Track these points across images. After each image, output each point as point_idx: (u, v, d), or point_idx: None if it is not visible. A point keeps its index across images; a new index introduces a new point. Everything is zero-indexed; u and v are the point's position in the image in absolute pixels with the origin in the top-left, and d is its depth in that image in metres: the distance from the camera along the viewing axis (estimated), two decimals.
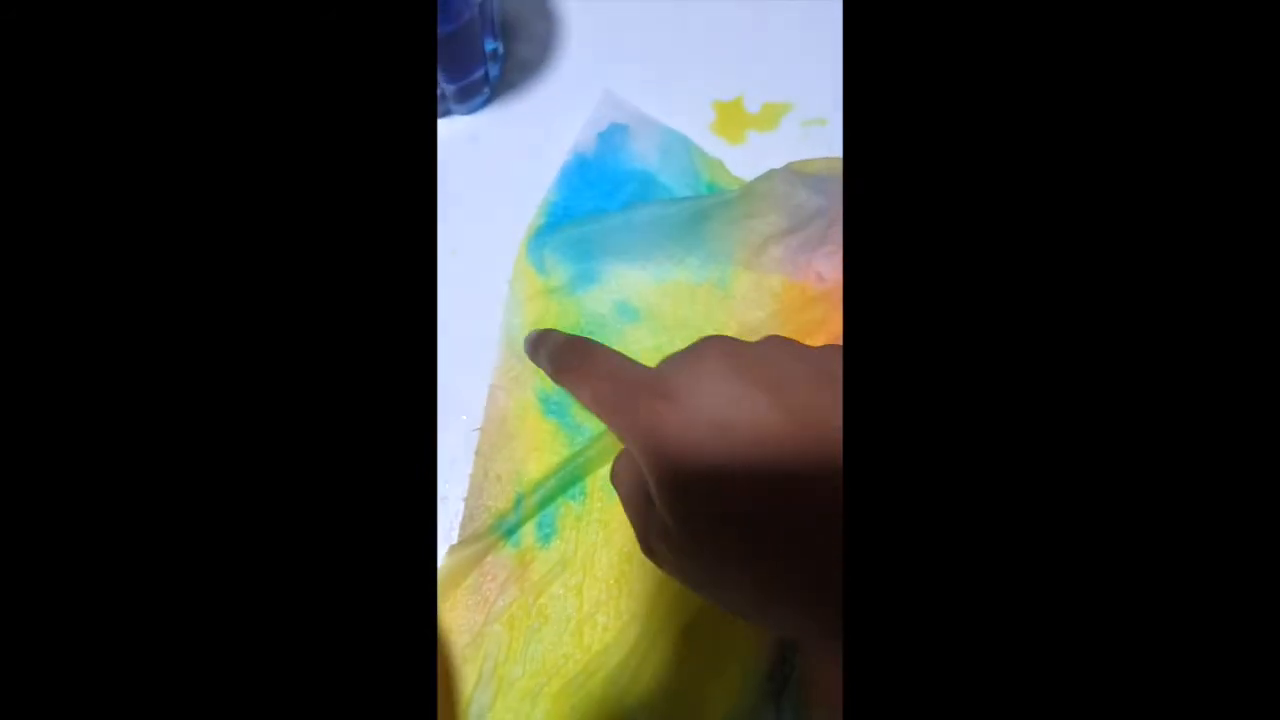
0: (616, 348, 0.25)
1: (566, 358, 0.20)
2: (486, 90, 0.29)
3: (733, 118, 0.30)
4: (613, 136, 0.28)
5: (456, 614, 0.21)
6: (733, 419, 0.15)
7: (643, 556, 0.22)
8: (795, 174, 0.27)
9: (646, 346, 0.25)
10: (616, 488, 0.19)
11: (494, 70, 0.29)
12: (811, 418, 0.15)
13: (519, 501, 0.22)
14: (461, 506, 0.23)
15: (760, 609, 0.15)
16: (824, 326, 0.26)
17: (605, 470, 0.23)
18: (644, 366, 0.18)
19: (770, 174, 0.27)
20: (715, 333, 0.26)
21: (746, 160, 0.28)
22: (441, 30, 0.25)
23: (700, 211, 0.26)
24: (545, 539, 0.22)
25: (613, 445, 0.23)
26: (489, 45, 0.28)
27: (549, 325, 0.25)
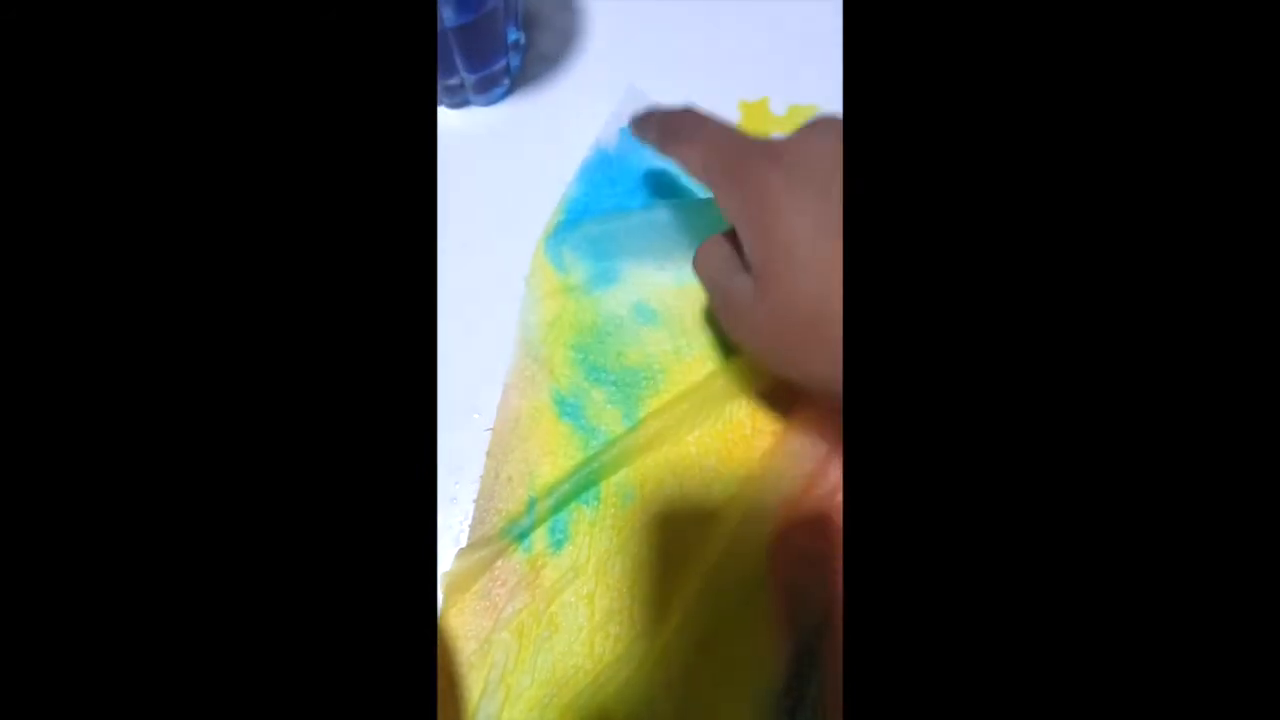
0: (633, 350, 0.24)
1: (676, 126, 0.20)
2: (507, 81, 0.28)
3: (758, 118, 0.29)
4: None
5: (464, 619, 0.21)
6: (837, 182, 0.16)
7: (657, 566, 0.21)
8: None
9: (665, 349, 0.24)
10: (699, 271, 0.19)
11: (515, 61, 0.28)
12: None
13: (531, 505, 0.22)
14: (472, 508, 0.22)
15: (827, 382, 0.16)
16: None
17: (620, 476, 0.22)
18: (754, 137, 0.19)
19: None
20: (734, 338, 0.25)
21: None
22: (464, 18, 0.24)
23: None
24: (557, 545, 0.21)
25: (629, 450, 0.22)
26: (512, 35, 0.27)
27: (565, 324, 0.24)
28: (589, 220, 0.25)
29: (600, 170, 0.27)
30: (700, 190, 0.27)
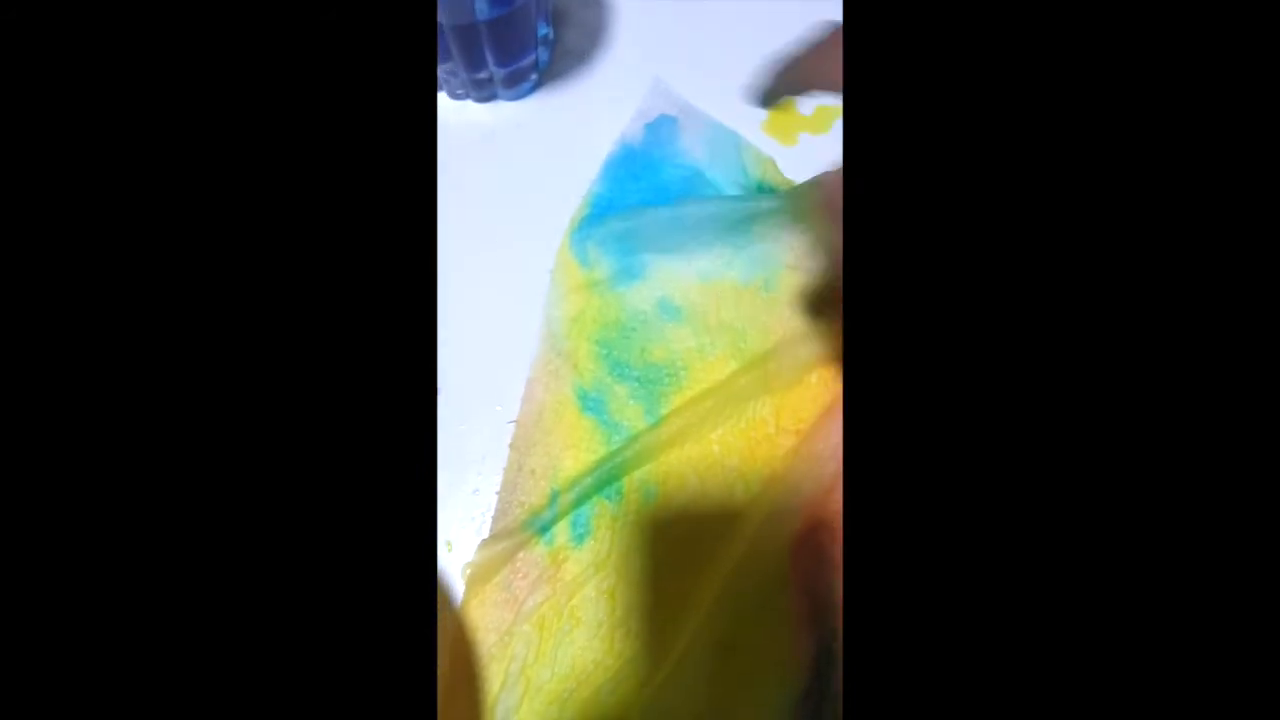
0: (657, 347, 0.24)
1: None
2: (535, 76, 0.28)
3: (785, 118, 0.29)
4: (661, 128, 0.27)
5: (485, 611, 0.20)
6: None
7: (679, 564, 0.21)
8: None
9: (689, 346, 0.24)
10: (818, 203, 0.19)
11: (544, 56, 0.28)
12: None
13: (554, 498, 0.22)
14: (494, 500, 0.22)
15: None
16: None
17: (642, 472, 0.22)
18: None
19: (823, 175, 0.26)
20: (759, 337, 0.25)
21: (798, 162, 0.28)
22: (497, 12, 0.24)
23: (750, 211, 0.26)
24: (579, 539, 0.21)
25: (651, 447, 0.22)
26: (541, 30, 0.27)
27: (589, 319, 0.24)
28: (614, 216, 0.25)
29: (625, 166, 0.27)
30: (726, 187, 0.27)
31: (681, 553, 0.21)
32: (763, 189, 0.27)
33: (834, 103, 0.29)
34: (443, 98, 0.28)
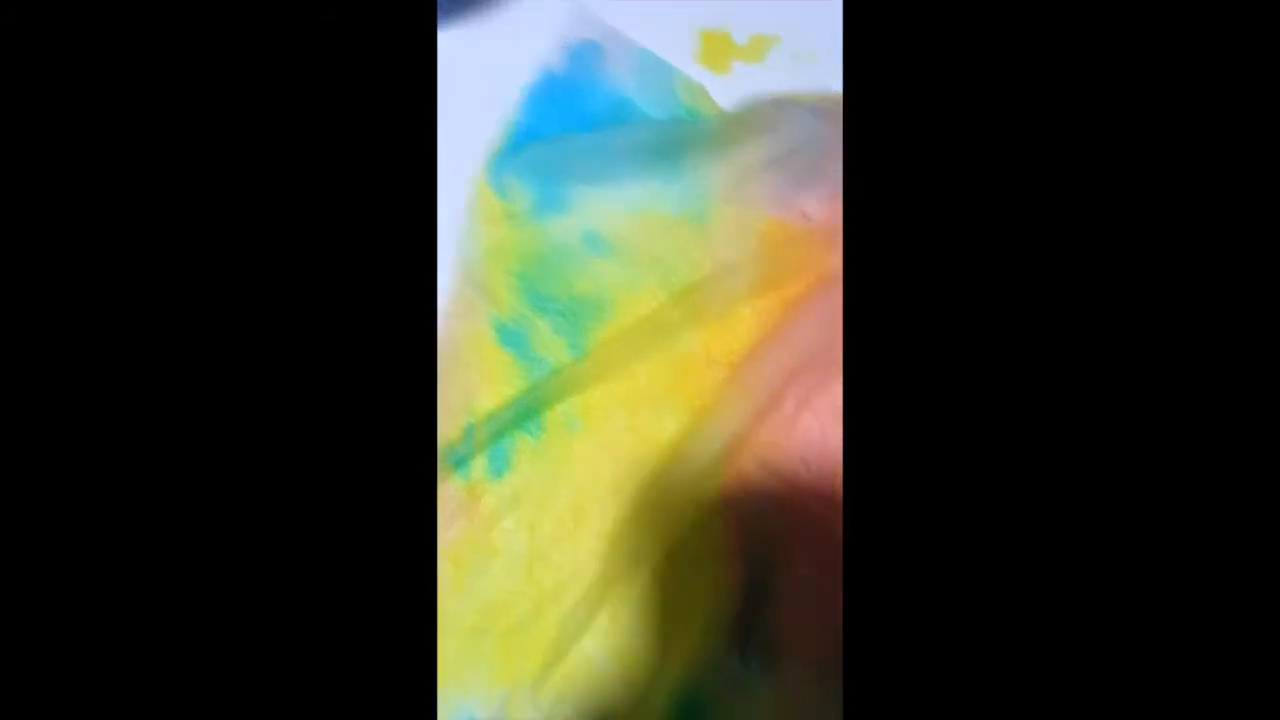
0: (582, 280, 0.24)
1: None
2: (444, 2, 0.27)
3: (719, 48, 0.28)
4: (584, 54, 0.26)
5: None
6: None
7: (604, 496, 0.21)
8: (784, 103, 0.26)
9: (617, 281, 0.23)
10: None
11: None
12: None
13: (469, 432, 0.21)
14: None
15: None
16: (808, 267, 0.24)
17: (565, 405, 0.22)
18: None
19: (757, 101, 0.26)
20: (690, 270, 0.25)
21: (731, 90, 0.27)
22: None
23: (680, 138, 0.25)
24: (498, 472, 0.21)
25: (575, 380, 0.22)
26: None
27: (508, 252, 0.23)
28: (534, 144, 0.24)
29: (546, 94, 0.25)
30: (656, 115, 0.26)
31: (606, 485, 0.21)
32: (693, 115, 0.26)
33: (771, 32, 0.29)
34: None
